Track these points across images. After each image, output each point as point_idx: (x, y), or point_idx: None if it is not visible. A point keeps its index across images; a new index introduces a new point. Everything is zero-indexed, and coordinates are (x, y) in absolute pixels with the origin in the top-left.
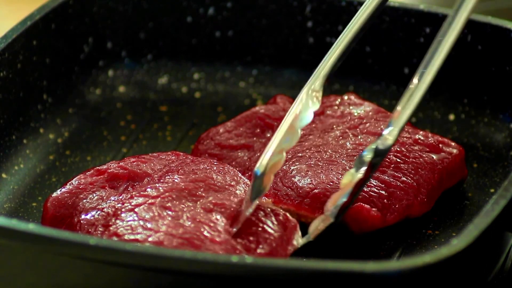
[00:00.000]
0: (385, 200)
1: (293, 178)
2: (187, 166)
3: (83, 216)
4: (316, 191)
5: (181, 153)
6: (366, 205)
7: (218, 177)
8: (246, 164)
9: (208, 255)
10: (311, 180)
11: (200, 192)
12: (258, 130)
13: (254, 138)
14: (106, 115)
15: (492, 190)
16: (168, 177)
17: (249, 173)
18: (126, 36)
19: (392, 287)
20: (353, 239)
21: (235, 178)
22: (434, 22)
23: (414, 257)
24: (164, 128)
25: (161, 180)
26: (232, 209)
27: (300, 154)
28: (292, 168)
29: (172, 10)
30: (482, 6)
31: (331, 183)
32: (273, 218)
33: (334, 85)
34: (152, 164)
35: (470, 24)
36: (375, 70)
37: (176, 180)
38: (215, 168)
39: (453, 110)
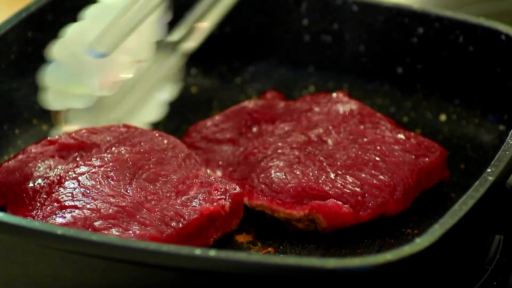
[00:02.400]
0: (359, 197)
1: (268, 174)
2: (135, 138)
3: (30, 184)
4: (289, 186)
5: (132, 125)
6: (338, 201)
7: (163, 149)
8: (230, 158)
9: (172, 248)
10: (285, 176)
11: (144, 163)
12: (245, 125)
13: (240, 133)
14: None
15: None
16: (115, 148)
17: (230, 168)
18: None
19: (354, 283)
20: (332, 237)
21: (180, 150)
22: (427, 22)
23: (377, 255)
24: (158, 122)
25: (108, 151)
26: (174, 179)
27: (280, 151)
28: (269, 164)
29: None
30: (476, 9)
31: (305, 179)
32: (209, 188)
33: (328, 83)
34: (102, 136)
35: (462, 25)
36: (368, 69)
37: (122, 151)
38: (160, 139)
39: (445, 111)
